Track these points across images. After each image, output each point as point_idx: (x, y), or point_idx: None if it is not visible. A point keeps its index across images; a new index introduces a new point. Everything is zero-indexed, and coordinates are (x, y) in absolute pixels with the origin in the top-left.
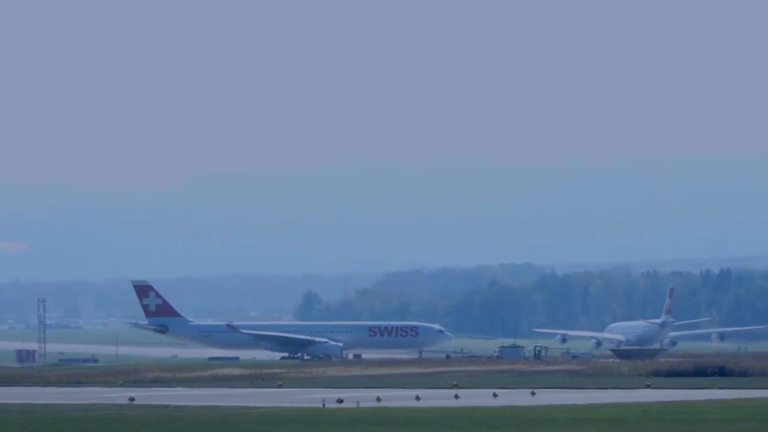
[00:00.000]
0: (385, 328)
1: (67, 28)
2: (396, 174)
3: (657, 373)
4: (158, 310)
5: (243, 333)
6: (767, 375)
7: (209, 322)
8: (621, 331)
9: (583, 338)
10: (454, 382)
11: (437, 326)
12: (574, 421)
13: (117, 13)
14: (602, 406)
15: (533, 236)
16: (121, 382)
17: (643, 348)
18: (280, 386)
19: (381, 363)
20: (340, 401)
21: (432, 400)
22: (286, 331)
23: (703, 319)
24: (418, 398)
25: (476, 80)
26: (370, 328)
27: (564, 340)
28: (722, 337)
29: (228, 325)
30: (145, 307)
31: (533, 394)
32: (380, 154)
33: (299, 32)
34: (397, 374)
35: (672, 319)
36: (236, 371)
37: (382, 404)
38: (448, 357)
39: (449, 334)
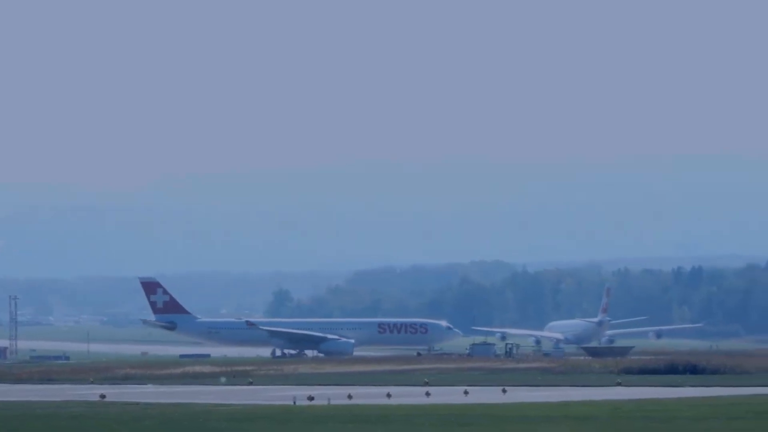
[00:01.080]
0: (395, 325)
1: (60, 24)
2: (365, 172)
3: (628, 371)
4: (166, 307)
5: (252, 330)
6: (739, 373)
7: (221, 318)
8: (559, 329)
9: (522, 336)
10: (426, 380)
11: (445, 323)
12: (545, 418)
13: (113, 8)
14: (573, 403)
15: (505, 234)
16: (92, 379)
17: (616, 345)
18: (250, 383)
19: (352, 360)
20: (311, 398)
21: (403, 397)
22: (298, 329)
23: (638, 318)
24: (389, 396)
25: (458, 79)
26: (380, 325)
27: (503, 337)
28: (659, 335)
29: (247, 321)
30: (152, 304)
31: (504, 391)
32: (348, 152)
33: (299, 31)
34: (369, 371)
35: (609, 318)
36: (207, 368)
37: (353, 401)
38: (419, 354)
39: (457, 330)
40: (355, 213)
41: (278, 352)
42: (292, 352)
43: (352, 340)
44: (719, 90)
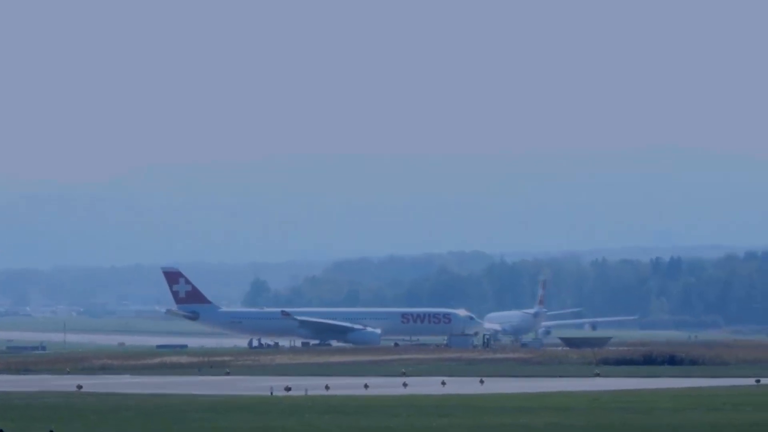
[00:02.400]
0: (418, 315)
1: (31, 20)
2: (344, 165)
3: (606, 362)
4: (188, 297)
5: (272, 319)
6: (718, 364)
7: (244, 309)
8: (497, 320)
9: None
10: (403, 370)
11: (468, 313)
12: (522, 409)
13: (81, 6)
14: (551, 394)
15: (483, 225)
16: (69, 369)
17: (594, 336)
18: (227, 374)
19: (330, 351)
20: (288, 389)
21: (380, 388)
22: (322, 318)
23: (572, 310)
24: (366, 386)
25: (439, 74)
26: (403, 315)
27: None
28: (594, 326)
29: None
30: (174, 294)
31: (482, 382)
32: (328, 146)
33: (272, 23)
34: (346, 362)
35: (545, 310)
36: (184, 359)
37: (330, 392)
38: (396, 345)
39: (479, 320)
40: (332, 204)
41: (255, 342)
42: (315, 342)
43: (378, 330)
44: (693, 85)
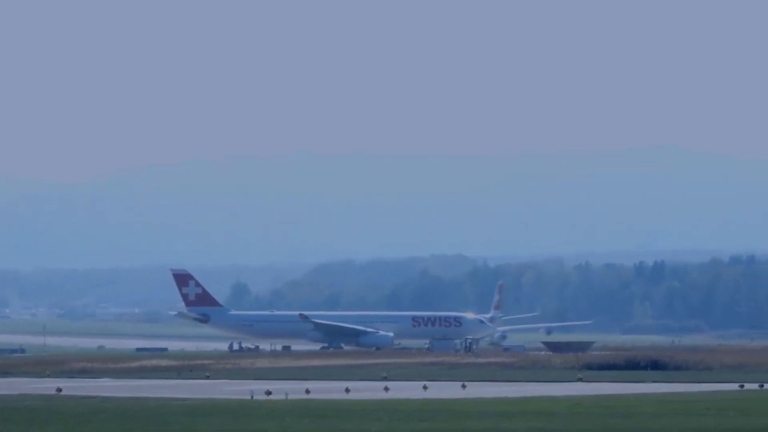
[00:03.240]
0: (429, 318)
1: (11, 19)
2: (327, 166)
3: (589, 366)
4: (198, 299)
5: (283, 322)
6: (701, 369)
7: (255, 312)
8: None
9: None
10: (384, 375)
11: (479, 316)
12: (504, 414)
13: (61, 5)
14: (533, 399)
15: (465, 228)
16: (48, 372)
17: (577, 341)
18: (208, 377)
19: (310, 355)
20: (268, 393)
21: (362, 392)
22: (333, 322)
23: (529, 315)
24: (347, 390)
25: (425, 75)
26: (414, 318)
27: None
28: (549, 331)
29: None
30: (184, 296)
31: (464, 386)
32: (312, 147)
33: (250, 22)
34: (327, 366)
35: (501, 314)
36: (164, 362)
37: (311, 396)
38: (377, 349)
39: (490, 324)
40: (315, 207)
41: (236, 346)
42: (323, 345)
43: (391, 334)
44: (680, 85)
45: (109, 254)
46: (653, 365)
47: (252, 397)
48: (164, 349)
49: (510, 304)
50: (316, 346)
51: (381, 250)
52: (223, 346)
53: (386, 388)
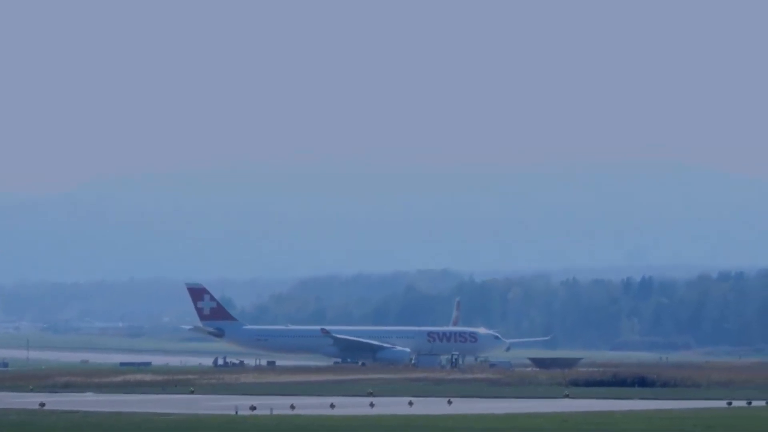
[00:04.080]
0: (444, 333)
1: None
2: (309, 178)
3: (576, 383)
4: (213, 314)
5: (298, 337)
6: (689, 386)
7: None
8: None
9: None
10: (370, 390)
11: (494, 332)
12: (490, 430)
13: (41, 9)
14: (520, 416)
15: (452, 242)
16: (31, 387)
17: (564, 357)
18: (192, 392)
19: (295, 370)
20: (253, 408)
21: (347, 408)
22: (349, 336)
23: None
24: (332, 406)
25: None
26: (429, 334)
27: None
28: (507, 348)
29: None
30: (199, 311)
31: (450, 402)
32: (297, 158)
33: (223, 30)
34: (312, 381)
35: None
36: (148, 377)
37: (296, 412)
38: (363, 364)
39: (505, 340)
40: (299, 220)
41: (220, 361)
42: (336, 360)
43: (408, 349)
44: (668, 99)
45: (93, 267)
46: (641, 382)
47: (236, 412)
48: (148, 364)
49: (497, 320)
50: (329, 361)
51: (366, 265)
52: (208, 361)
53: (372, 404)
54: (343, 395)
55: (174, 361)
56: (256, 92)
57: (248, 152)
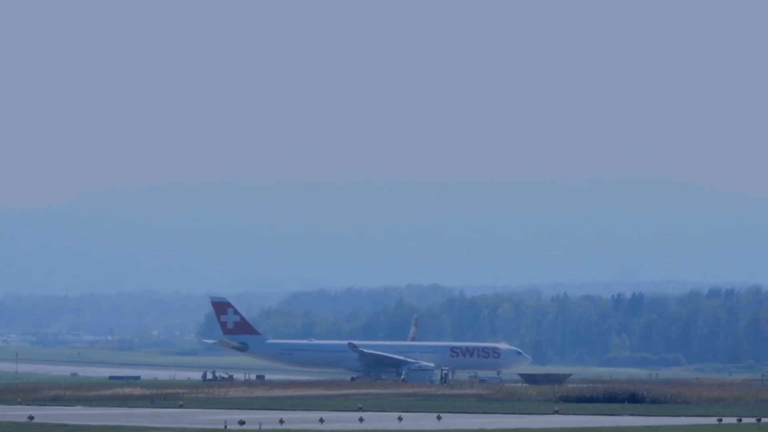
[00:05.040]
0: (467, 349)
1: None
2: (298, 193)
3: (566, 399)
4: (236, 328)
5: (322, 351)
6: (679, 402)
7: (293, 340)
8: None
9: None
10: (359, 405)
11: (516, 348)
12: None
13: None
14: (510, 431)
15: (442, 257)
16: (20, 400)
17: (554, 373)
18: (181, 406)
19: (284, 385)
20: (242, 423)
21: (336, 422)
22: (375, 351)
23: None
24: (322, 421)
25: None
26: (452, 349)
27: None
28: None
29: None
30: (222, 324)
31: (439, 418)
32: (284, 172)
33: (198, 42)
34: (301, 396)
35: None
36: (137, 391)
37: (285, 426)
38: (353, 379)
39: (527, 356)
40: (288, 235)
41: (209, 375)
42: (357, 375)
43: (432, 364)
44: (658, 115)
45: (83, 281)
46: (631, 398)
47: (225, 426)
48: (137, 378)
49: (486, 335)
50: (347, 375)
51: (356, 280)
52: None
53: (361, 419)
54: (333, 410)
55: (163, 374)
56: (249, 107)
57: (238, 166)
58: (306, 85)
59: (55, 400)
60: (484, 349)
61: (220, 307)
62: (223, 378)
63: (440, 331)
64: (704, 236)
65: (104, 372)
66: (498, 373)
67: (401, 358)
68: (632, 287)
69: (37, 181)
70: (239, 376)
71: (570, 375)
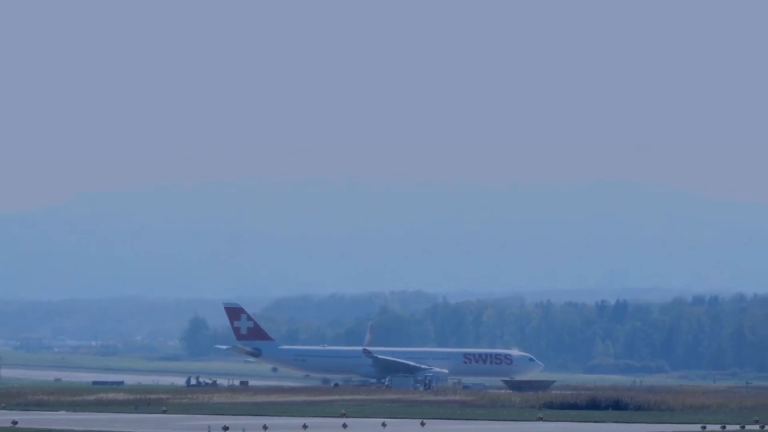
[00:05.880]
0: (480, 355)
1: None
2: (280, 197)
3: (550, 406)
4: (249, 333)
5: (335, 357)
6: (663, 409)
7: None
8: None
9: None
10: (343, 411)
11: (528, 354)
12: None
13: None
14: None
15: (426, 263)
16: (3, 404)
17: (537, 379)
18: (164, 411)
19: (268, 390)
20: (225, 428)
21: (320, 429)
22: (390, 357)
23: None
24: (305, 427)
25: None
26: (465, 355)
27: (275, 370)
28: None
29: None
30: (236, 330)
31: (423, 424)
32: (268, 176)
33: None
34: (284, 402)
35: None
36: (121, 396)
37: None
38: (336, 385)
39: (539, 362)
40: (273, 240)
41: (193, 380)
42: (372, 381)
43: (446, 370)
44: (640, 121)
45: (67, 286)
46: (614, 405)
47: None
48: (121, 383)
49: (470, 342)
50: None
51: (339, 286)
52: (181, 381)
53: (344, 425)
54: (316, 416)
55: (147, 380)
56: (233, 112)
57: (223, 172)
58: (294, 93)
59: (39, 405)
60: (496, 355)
61: (234, 312)
62: (206, 383)
63: (424, 337)
64: (688, 243)
65: (88, 377)
66: (509, 380)
67: (414, 364)
68: (616, 294)
69: (20, 187)
70: (222, 381)
71: (554, 382)
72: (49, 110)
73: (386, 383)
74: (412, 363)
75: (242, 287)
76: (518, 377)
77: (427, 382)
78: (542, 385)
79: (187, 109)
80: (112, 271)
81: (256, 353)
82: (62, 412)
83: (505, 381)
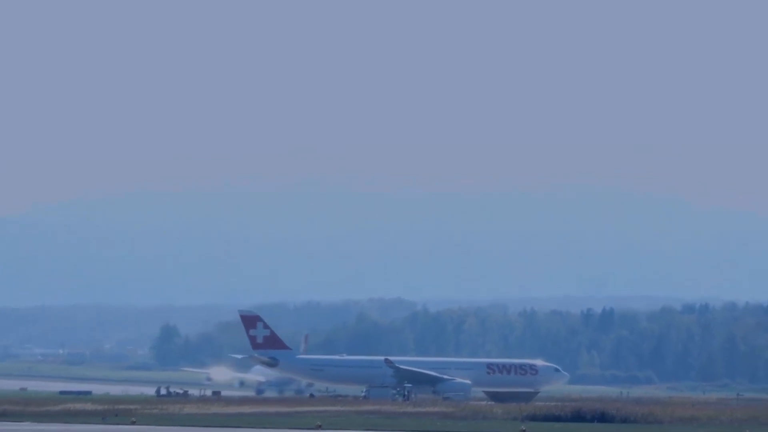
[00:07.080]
0: (504, 365)
1: None
2: (256, 202)
3: (533, 418)
4: (266, 342)
5: (354, 367)
6: (650, 422)
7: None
8: (262, 372)
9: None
10: (318, 423)
11: (554, 365)
12: None
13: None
14: None
15: (406, 270)
16: None
17: (520, 390)
18: (133, 423)
19: (241, 401)
20: None
21: None
22: (411, 368)
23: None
24: None
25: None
26: (489, 366)
27: (209, 378)
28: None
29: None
30: (251, 339)
31: None
32: (244, 180)
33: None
34: (258, 413)
35: None
36: (89, 406)
37: None
38: (312, 396)
39: (565, 373)
40: (247, 245)
41: (163, 390)
42: (392, 391)
43: (469, 381)
44: (627, 126)
45: (34, 293)
46: (600, 417)
47: None
48: (88, 393)
49: (451, 351)
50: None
51: (315, 293)
52: (150, 390)
53: None
54: (291, 428)
55: (115, 389)
56: (214, 113)
57: (197, 175)
58: (277, 97)
59: (4, 416)
60: (521, 365)
61: (250, 321)
62: (177, 393)
63: (403, 346)
64: (677, 250)
65: (55, 386)
66: (536, 392)
67: (436, 374)
68: (602, 302)
69: None
70: (194, 392)
71: (537, 393)
72: (27, 114)
73: (364, 394)
74: (434, 373)
75: (216, 294)
76: (544, 388)
77: (406, 392)
78: (525, 396)
79: (161, 113)
80: (80, 278)
81: (273, 363)
82: (27, 423)
83: (486, 392)
